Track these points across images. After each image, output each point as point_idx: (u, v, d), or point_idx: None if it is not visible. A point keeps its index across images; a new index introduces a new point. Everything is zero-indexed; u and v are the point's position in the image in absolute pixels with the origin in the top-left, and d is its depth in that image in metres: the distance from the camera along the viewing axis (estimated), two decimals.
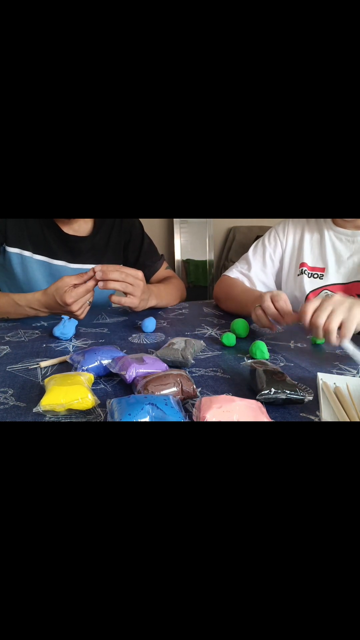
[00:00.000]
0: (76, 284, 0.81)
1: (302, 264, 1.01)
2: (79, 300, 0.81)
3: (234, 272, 1.08)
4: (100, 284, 0.81)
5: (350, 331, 0.64)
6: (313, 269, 1.00)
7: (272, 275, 1.08)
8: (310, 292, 1.00)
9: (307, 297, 1.00)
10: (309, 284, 1.00)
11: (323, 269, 0.98)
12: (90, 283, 0.81)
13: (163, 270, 1.17)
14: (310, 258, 1.00)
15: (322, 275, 0.98)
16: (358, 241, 0.93)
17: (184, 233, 2.99)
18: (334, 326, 0.63)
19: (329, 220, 0.98)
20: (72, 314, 0.83)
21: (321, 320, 0.64)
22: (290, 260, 1.04)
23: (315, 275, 0.99)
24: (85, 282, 0.81)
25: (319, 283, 0.99)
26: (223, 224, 3.08)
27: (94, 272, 0.80)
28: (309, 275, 1.00)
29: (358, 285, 0.93)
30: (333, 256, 0.97)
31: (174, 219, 2.94)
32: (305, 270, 1.00)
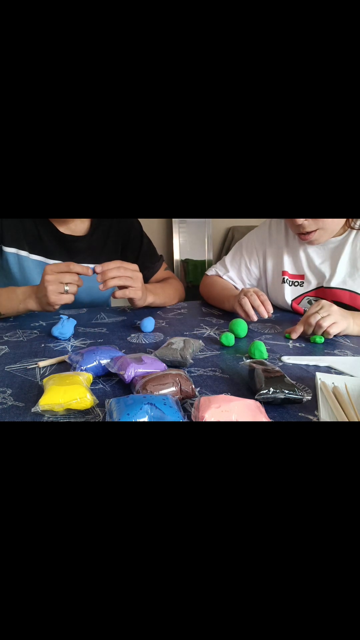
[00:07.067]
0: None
1: (284, 272, 1.02)
2: (56, 276, 0.78)
3: (213, 271, 1.15)
4: (101, 286, 0.81)
5: (334, 332, 0.77)
6: (293, 276, 1.01)
7: (249, 282, 1.11)
8: (293, 300, 1.01)
9: (291, 305, 1.01)
10: (291, 292, 1.01)
11: (302, 276, 1.00)
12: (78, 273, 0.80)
13: (162, 272, 1.17)
14: (289, 266, 1.02)
15: (302, 282, 1.00)
16: (329, 248, 0.94)
17: (182, 233, 2.99)
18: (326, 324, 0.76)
19: None
20: (45, 292, 0.80)
21: (315, 319, 0.77)
22: (273, 268, 1.05)
23: (296, 283, 1.01)
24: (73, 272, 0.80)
25: (299, 291, 1.00)
26: (222, 224, 3.08)
27: (94, 272, 0.81)
28: (290, 283, 1.01)
29: (329, 291, 0.94)
30: (306, 263, 0.98)
31: (173, 219, 2.94)
32: (287, 278, 1.02)
